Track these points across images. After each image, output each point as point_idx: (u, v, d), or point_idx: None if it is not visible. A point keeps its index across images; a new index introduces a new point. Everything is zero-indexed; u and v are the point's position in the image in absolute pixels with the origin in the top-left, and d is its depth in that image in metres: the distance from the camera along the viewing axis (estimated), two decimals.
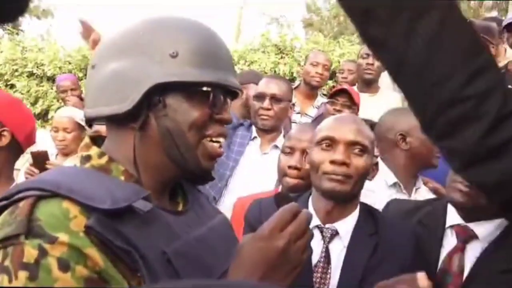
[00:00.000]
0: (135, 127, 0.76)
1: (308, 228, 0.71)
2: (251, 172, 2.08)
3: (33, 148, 2.14)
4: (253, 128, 2.20)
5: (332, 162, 1.18)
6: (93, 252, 0.64)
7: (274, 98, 2.10)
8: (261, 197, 1.53)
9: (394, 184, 1.77)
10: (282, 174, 1.62)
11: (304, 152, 1.55)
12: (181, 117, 0.76)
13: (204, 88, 0.77)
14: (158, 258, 0.68)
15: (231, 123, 0.84)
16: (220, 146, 0.81)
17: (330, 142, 1.21)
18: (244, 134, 2.18)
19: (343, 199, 1.21)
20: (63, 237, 0.63)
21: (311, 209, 1.26)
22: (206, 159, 0.79)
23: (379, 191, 1.63)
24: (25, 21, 14.15)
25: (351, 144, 1.20)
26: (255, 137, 2.17)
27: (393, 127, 1.82)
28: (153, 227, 0.71)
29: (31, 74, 5.60)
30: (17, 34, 6.92)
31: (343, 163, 1.17)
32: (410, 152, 1.78)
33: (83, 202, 0.65)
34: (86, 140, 0.82)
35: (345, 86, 2.64)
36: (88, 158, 0.77)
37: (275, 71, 4.97)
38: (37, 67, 5.55)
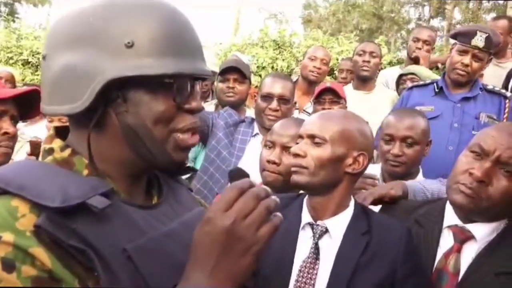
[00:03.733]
0: (89, 126, 0.70)
1: (260, 203, 0.64)
2: (253, 168, 2.07)
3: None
4: (255, 124, 2.20)
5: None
6: (40, 252, 0.60)
7: (282, 99, 2.11)
8: None
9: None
10: (261, 168, 1.62)
11: (284, 147, 1.55)
12: (144, 112, 0.70)
13: (167, 80, 0.70)
14: (118, 256, 0.65)
15: (201, 111, 0.77)
16: (193, 134, 0.75)
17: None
18: (246, 131, 2.18)
19: (309, 190, 1.26)
20: (7, 236, 0.60)
21: (305, 207, 1.27)
22: (178, 152, 0.75)
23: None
24: (22, 8, 14.04)
25: (310, 137, 1.25)
26: (256, 134, 2.17)
27: (381, 128, 1.87)
28: (114, 224, 0.67)
29: (26, 62, 5.55)
30: (13, 21, 6.85)
31: (297, 155, 1.25)
32: None
33: (32, 200, 0.62)
34: (51, 131, 0.77)
35: (328, 84, 2.63)
36: (50, 151, 0.73)
37: (273, 67, 4.96)
38: (33, 55, 5.50)
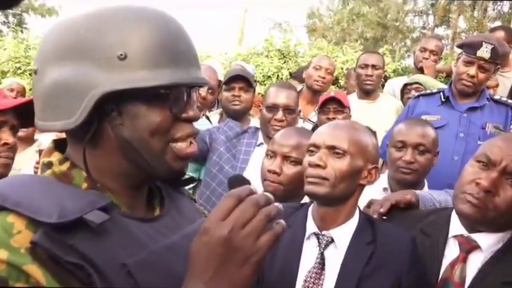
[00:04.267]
0: (85, 140, 0.69)
1: (259, 210, 0.61)
2: (259, 178, 2.06)
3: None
4: (259, 134, 2.19)
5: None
6: (34, 269, 0.59)
7: (287, 109, 2.11)
8: None
9: (385, 189, 1.82)
10: (262, 178, 1.62)
11: (285, 157, 1.55)
12: (140, 125, 0.68)
13: (162, 91, 0.69)
14: (117, 271, 0.63)
15: (198, 120, 0.76)
16: (190, 144, 0.74)
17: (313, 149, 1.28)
18: (249, 142, 2.18)
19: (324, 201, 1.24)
20: (1, 254, 0.59)
21: (309, 217, 1.27)
22: (177, 161, 0.73)
23: (374, 195, 1.64)
24: (30, 19, 14.21)
25: (329, 148, 1.24)
26: (261, 143, 2.16)
27: (392, 136, 1.86)
28: (113, 238, 0.66)
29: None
30: (22, 31, 6.93)
31: (317, 166, 1.22)
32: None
33: (29, 216, 0.61)
34: (49, 144, 0.76)
35: (332, 93, 2.64)
36: (49, 164, 0.72)
37: (278, 76, 4.98)
38: None
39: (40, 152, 2.14)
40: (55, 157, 0.73)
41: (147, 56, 0.67)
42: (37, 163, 2.13)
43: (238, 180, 0.71)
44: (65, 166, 0.72)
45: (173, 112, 0.70)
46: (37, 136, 2.88)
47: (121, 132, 0.69)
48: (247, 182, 0.70)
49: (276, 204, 0.64)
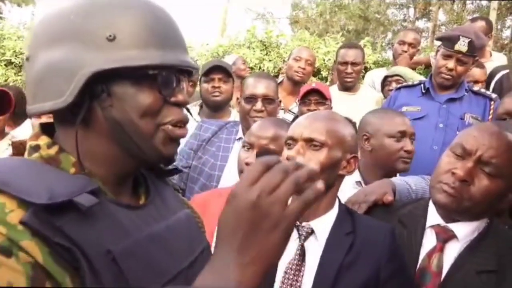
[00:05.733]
0: (76, 122, 0.69)
1: (287, 176, 0.60)
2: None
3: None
4: (239, 128, 2.13)
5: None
6: (32, 246, 0.59)
7: (266, 99, 2.06)
8: (220, 192, 1.53)
9: (358, 183, 1.82)
10: (240, 170, 1.60)
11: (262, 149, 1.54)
12: (129, 106, 0.70)
13: (151, 71, 0.70)
14: (102, 257, 0.63)
15: (187, 105, 0.77)
16: (180, 127, 0.74)
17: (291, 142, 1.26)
18: (228, 138, 2.11)
19: None
20: (0, 228, 0.59)
21: None
22: (167, 144, 0.74)
23: (345, 188, 1.65)
24: (6, 8, 13.81)
25: (307, 141, 1.22)
26: (240, 138, 2.09)
27: (362, 127, 1.88)
28: (100, 223, 0.66)
29: (9, 63, 5.45)
30: None
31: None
32: (373, 154, 1.83)
33: (18, 196, 0.61)
34: (36, 128, 0.76)
35: (313, 84, 2.64)
36: (36, 148, 0.72)
37: (260, 67, 4.95)
38: (16, 55, 5.40)
39: (13, 144, 2.07)
40: (43, 140, 0.72)
41: (136, 38, 0.69)
42: (12, 155, 2.07)
43: (267, 153, 0.70)
44: (53, 150, 0.71)
45: (162, 94, 0.71)
46: (8, 130, 2.80)
47: (111, 114, 0.70)
48: (276, 154, 0.68)
49: (311, 167, 0.61)
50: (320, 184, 0.60)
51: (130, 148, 0.72)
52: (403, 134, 1.79)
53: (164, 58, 0.70)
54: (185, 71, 0.76)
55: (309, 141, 1.22)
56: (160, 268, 0.69)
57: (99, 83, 0.68)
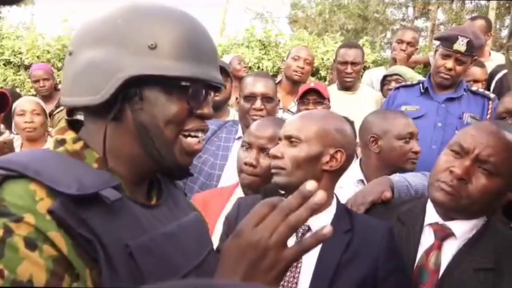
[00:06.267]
0: (108, 118, 0.73)
1: (285, 220, 0.64)
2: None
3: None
4: (239, 127, 2.13)
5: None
6: (58, 237, 0.62)
7: (265, 98, 2.06)
8: (220, 191, 1.52)
9: (360, 181, 1.82)
10: (239, 170, 1.60)
11: (261, 149, 1.54)
12: (158, 112, 0.74)
13: (183, 83, 0.74)
14: (120, 251, 0.66)
15: (211, 118, 0.82)
16: (199, 142, 0.79)
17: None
18: (228, 137, 2.12)
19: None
20: (28, 218, 0.61)
21: None
22: (183, 155, 0.78)
23: (347, 187, 1.65)
24: (5, 8, 13.78)
25: (287, 138, 1.26)
26: (240, 137, 2.09)
27: (368, 129, 1.87)
28: (120, 218, 0.69)
29: (8, 63, 5.44)
30: None
31: (275, 157, 1.26)
32: (381, 155, 1.82)
33: (49, 185, 0.64)
34: (62, 123, 0.79)
35: (312, 84, 2.64)
36: (62, 142, 0.75)
37: (258, 67, 4.95)
38: (15, 55, 5.39)
39: (5, 143, 2.05)
40: (69, 135, 0.76)
41: (175, 49, 0.73)
42: (3, 154, 2.07)
43: (272, 192, 0.74)
44: (78, 145, 0.75)
45: (190, 105, 0.76)
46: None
47: (140, 117, 0.74)
48: (280, 194, 0.72)
49: (317, 197, 0.63)
50: (327, 229, 0.63)
51: (151, 151, 0.76)
52: (411, 136, 1.81)
53: (197, 72, 0.74)
54: (213, 87, 0.80)
55: (288, 139, 1.26)
56: (173, 264, 0.73)
57: (134, 87, 0.72)
